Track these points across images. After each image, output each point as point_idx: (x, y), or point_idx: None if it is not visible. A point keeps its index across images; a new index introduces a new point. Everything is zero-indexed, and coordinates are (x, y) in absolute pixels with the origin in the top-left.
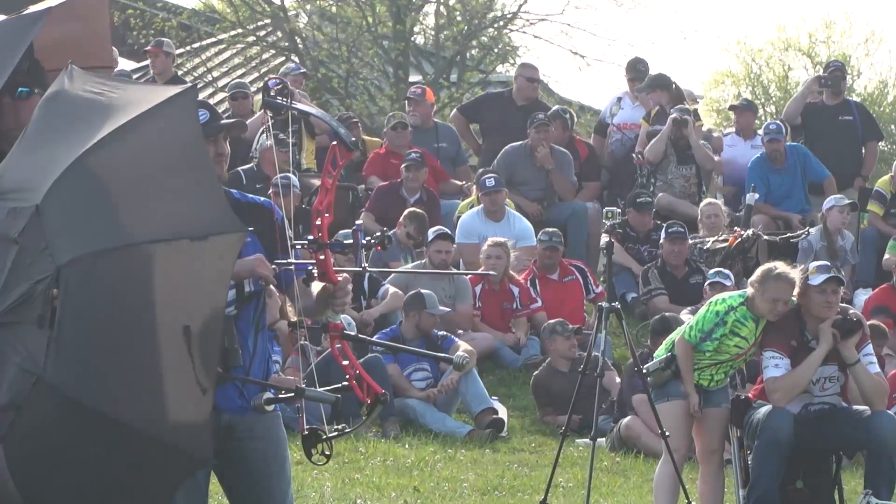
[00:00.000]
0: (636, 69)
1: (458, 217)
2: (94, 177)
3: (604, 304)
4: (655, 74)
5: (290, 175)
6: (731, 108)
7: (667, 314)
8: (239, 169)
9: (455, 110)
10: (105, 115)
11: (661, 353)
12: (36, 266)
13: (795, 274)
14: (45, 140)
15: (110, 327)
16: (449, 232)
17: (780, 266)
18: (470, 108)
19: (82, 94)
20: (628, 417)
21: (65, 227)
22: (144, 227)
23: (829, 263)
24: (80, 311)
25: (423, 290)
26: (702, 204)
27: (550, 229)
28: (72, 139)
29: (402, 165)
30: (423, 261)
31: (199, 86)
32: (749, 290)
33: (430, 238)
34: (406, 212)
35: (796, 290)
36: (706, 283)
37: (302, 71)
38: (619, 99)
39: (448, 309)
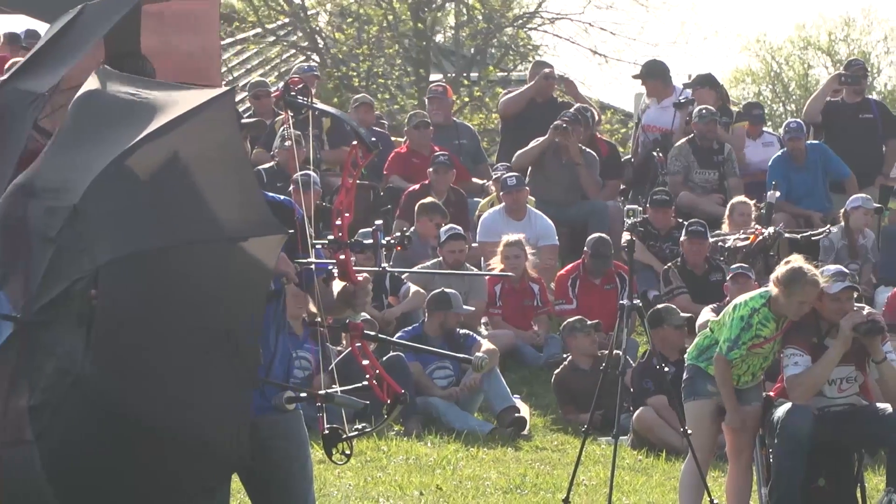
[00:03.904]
0: (649, 68)
1: (479, 215)
2: (132, 178)
3: (625, 302)
4: (703, 74)
5: (311, 172)
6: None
7: (659, 307)
8: (260, 168)
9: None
10: (142, 117)
11: (692, 352)
12: (74, 266)
13: (818, 273)
14: (80, 141)
15: (149, 328)
16: (461, 232)
17: (805, 267)
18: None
19: (116, 95)
20: (639, 410)
21: (104, 228)
22: (184, 229)
23: (844, 270)
24: (119, 312)
25: (447, 290)
26: (733, 200)
27: (599, 235)
28: (108, 140)
29: (430, 168)
30: (438, 259)
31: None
32: (773, 290)
33: (442, 239)
34: (418, 205)
35: None
36: (728, 277)
37: (315, 72)
38: (647, 103)
39: (472, 308)
